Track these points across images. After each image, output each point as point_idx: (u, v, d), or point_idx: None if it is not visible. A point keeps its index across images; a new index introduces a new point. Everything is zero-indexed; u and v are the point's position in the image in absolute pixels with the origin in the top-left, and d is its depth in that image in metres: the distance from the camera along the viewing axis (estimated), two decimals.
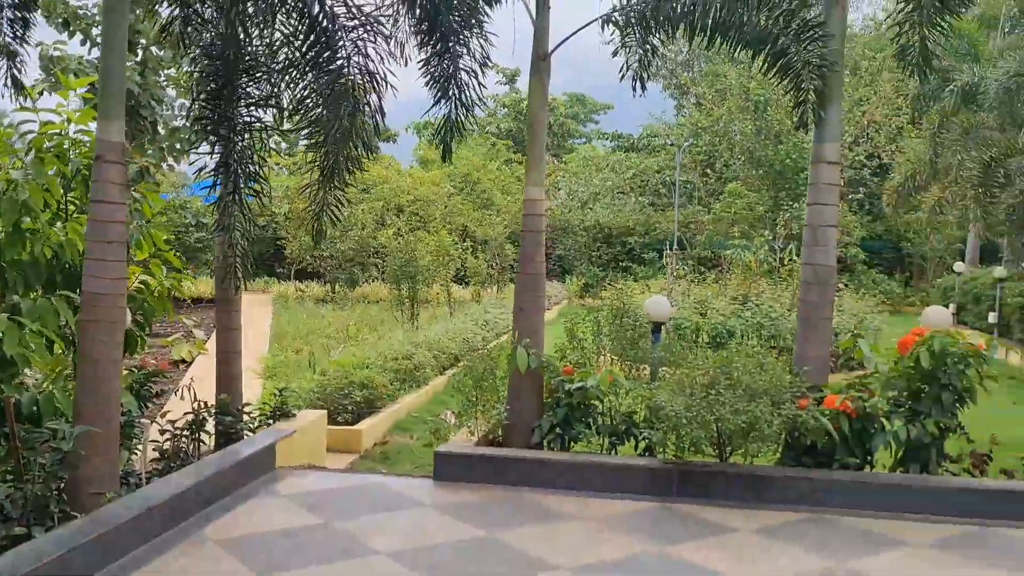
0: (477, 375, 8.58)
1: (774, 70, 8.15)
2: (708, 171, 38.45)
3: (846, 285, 30.63)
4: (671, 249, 28.48)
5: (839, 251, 32.94)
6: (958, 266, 24.77)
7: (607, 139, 51.73)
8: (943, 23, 8.85)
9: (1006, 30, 26.35)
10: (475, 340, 16.60)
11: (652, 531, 6.86)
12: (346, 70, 7.90)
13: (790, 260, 22.40)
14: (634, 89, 8.94)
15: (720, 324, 15.73)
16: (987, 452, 7.79)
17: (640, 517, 7.15)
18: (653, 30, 8.45)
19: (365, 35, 7.98)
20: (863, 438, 7.56)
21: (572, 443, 8.29)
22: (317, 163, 8.67)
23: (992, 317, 20.46)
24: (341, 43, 7.92)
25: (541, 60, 8.48)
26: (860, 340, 8.07)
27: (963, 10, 9.16)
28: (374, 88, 8.10)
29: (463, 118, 9.38)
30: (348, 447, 10.49)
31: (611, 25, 8.58)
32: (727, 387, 7.39)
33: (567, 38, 8.52)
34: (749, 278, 18.71)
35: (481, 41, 9.18)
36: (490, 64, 9.16)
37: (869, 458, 7.69)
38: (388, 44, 8.10)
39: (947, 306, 24.33)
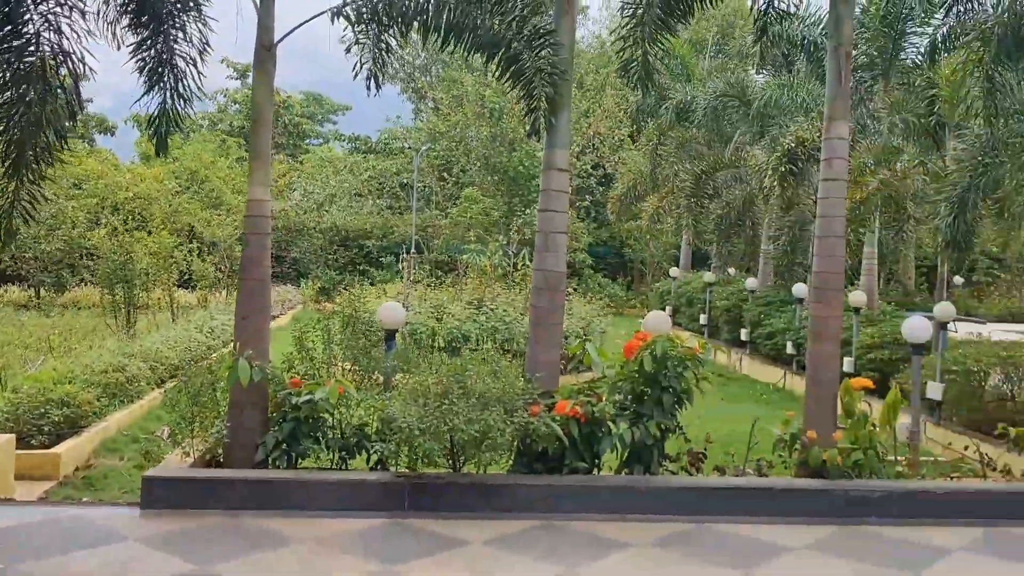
0: (194, 389, 7.85)
1: (507, 75, 8.13)
2: (445, 176, 38.82)
3: (575, 289, 32.06)
4: (407, 253, 28.35)
5: (568, 256, 34.37)
6: (673, 271, 26.61)
7: (344, 140, 50.91)
8: (663, 41, 9.26)
9: (711, 54, 28.75)
10: (199, 349, 15.47)
11: (382, 549, 6.55)
12: (34, 48, 6.92)
13: (523, 265, 22.99)
14: (368, 88, 8.63)
15: (456, 329, 15.72)
16: (702, 450, 8.20)
17: (371, 535, 6.81)
18: (387, 27, 8.16)
19: (59, 9, 7.04)
20: (592, 442, 7.68)
21: (300, 460, 7.79)
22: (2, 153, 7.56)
23: (703, 319, 22.09)
24: (28, 16, 6.93)
25: (266, 51, 7.92)
26: (588, 345, 8.23)
27: (680, 29, 9.64)
28: (70, 70, 7.17)
29: (181, 109, 8.61)
30: (44, 473, 9.27)
31: (342, 19, 8.18)
32: (460, 396, 7.23)
33: (294, 29, 8.02)
34: (484, 283, 18.94)
35: (200, 26, 8.47)
36: (210, 51, 8.50)
37: (597, 461, 7.84)
38: (86, 21, 7.19)
39: (664, 309, 26.07)
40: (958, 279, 29.77)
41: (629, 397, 7.89)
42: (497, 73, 8.21)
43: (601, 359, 8.10)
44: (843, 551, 6.87)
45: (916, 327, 9.06)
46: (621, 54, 9.39)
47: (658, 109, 24.07)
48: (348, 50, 8.58)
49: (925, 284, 30.98)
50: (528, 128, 8.16)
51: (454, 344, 15.63)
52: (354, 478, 7.46)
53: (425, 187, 39.04)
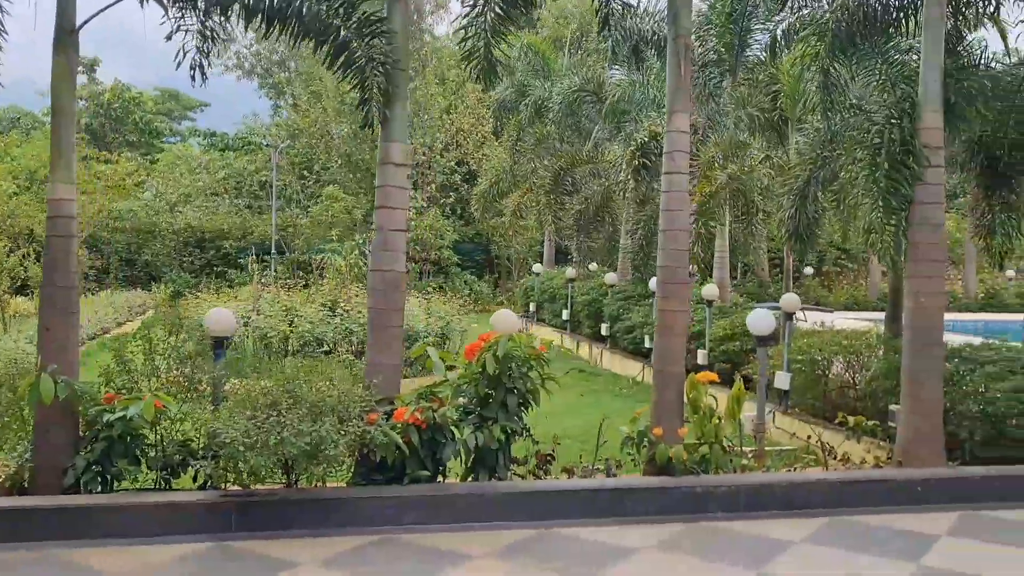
0: None
1: (338, 65, 7.68)
2: (306, 173, 37.69)
3: (440, 287, 31.73)
4: (255, 255, 27.27)
5: (434, 254, 33.99)
6: (536, 267, 26.56)
7: (200, 137, 48.93)
8: (505, 32, 9.00)
9: (571, 51, 28.89)
10: (26, 361, 14.28)
11: None
12: None
13: None
14: (193, 78, 8.11)
15: (308, 332, 15.10)
16: (550, 452, 7.98)
17: (191, 562, 6.27)
18: (204, 10, 7.58)
19: None
20: (434, 449, 7.33)
21: (117, 482, 7.13)
22: None
23: (565, 314, 22.11)
24: None
25: (67, 34, 7.21)
26: (430, 348, 7.87)
27: (524, 19, 9.38)
28: None
29: None
30: None
31: (155, 2, 7.56)
32: (291, 406, 6.76)
33: (99, 12, 7.32)
34: (340, 283, 18.32)
35: None
36: (6, 36, 7.68)
37: (442, 469, 7.51)
38: None
39: (528, 305, 26.02)
40: (809, 269, 30.93)
41: (474, 400, 7.60)
42: (327, 62, 7.75)
43: (443, 362, 7.76)
44: (688, 549, 6.77)
45: (760, 320, 9.13)
46: (463, 43, 9.06)
47: (518, 105, 23.97)
48: (169, 37, 7.99)
49: (780, 275, 32.05)
50: (361, 120, 7.72)
51: (307, 348, 15.02)
52: (174, 500, 6.87)
53: (286, 185, 37.81)
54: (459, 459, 7.53)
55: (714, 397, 8.19)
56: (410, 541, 6.75)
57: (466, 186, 35.30)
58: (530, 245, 34.51)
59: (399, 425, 7.16)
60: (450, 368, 7.84)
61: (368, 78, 7.41)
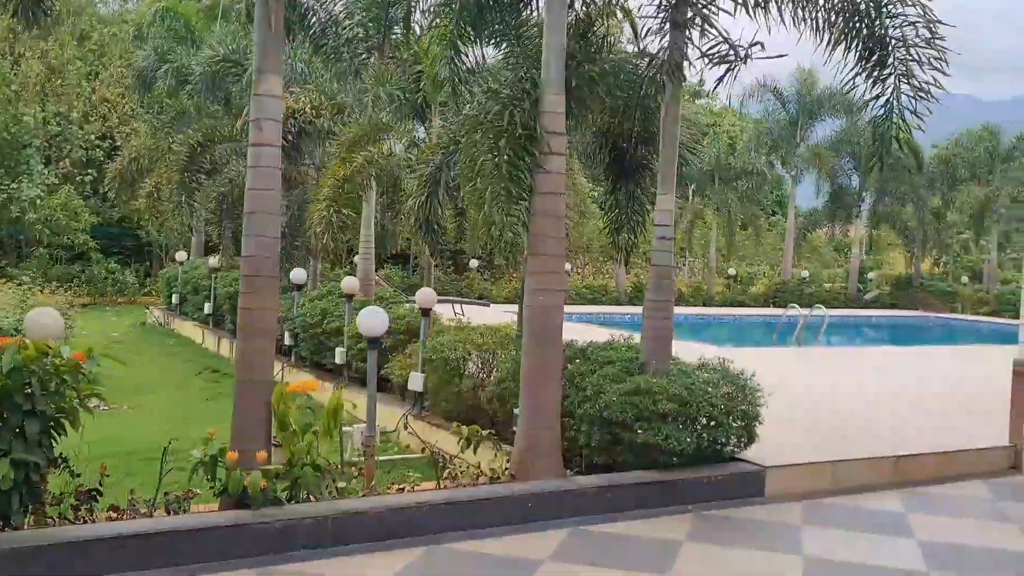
0: None
1: None
2: None
3: (76, 276, 28.11)
4: None
5: (67, 239, 30.01)
6: (179, 255, 24.08)
7: None
8: None
9: (230, 20, 26.67)
10: None
11: None
12: None
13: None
14: None
15: None
16: (96, 487, 6.37)
17: None
18: None
19: None
20: None
21: None
22: None
23: (208, 308, 20.06)
24: None
25: None
26: None
27: None
28: None
29: None
30: None
31: None
32: None
33: None
34: None
35: None
36: None
37: None
38: None
39: (171, 297, 23.55)
40: (474, 262, 30.99)
41: None
42: None
43: None
44: None
45: (369, 319, 8.08)
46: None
47: (157, 73, 21.53)
48: None
49: (452, 267, 31.82)
50: None
51: None
52: None
53: None
54: None
55: (311, 410, 7.02)
56: None
57: (110, 163, 31.60)
58: (182, 230, 31.59)
59: None
60: None
61: None
